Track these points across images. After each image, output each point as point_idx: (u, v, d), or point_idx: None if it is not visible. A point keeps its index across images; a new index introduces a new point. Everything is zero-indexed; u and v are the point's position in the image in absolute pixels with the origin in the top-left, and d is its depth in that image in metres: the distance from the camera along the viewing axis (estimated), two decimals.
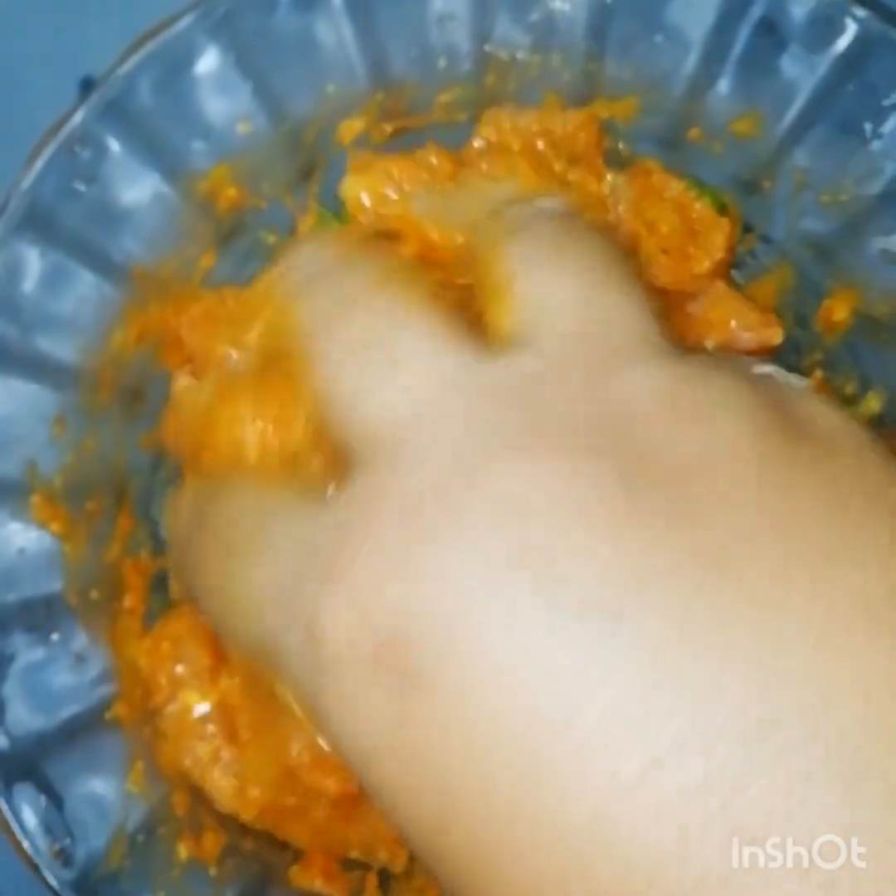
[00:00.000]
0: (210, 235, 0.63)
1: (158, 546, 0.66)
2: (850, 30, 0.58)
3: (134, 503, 0.64)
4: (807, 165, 0.63)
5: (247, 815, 0.59)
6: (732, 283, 0.68)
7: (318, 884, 0.61)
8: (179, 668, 0.61)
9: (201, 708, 0.59)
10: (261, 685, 0.56)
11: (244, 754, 0.58)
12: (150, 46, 0.57)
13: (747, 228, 0.68)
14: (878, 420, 0.65)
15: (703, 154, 0.66)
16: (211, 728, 0.59)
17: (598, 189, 0.60)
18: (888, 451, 0.40)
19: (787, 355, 0.66)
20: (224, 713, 0.59)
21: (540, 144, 0.63)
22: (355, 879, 0.63)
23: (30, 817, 0.54)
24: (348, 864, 0.63)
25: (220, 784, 0.58)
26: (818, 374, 0.66)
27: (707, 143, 0.65)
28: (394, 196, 0.58)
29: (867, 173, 0.61)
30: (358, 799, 0.58)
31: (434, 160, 0.61)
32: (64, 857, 0.54)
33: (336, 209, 0.63)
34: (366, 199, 0.58)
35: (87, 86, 0.73)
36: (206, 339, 0.61)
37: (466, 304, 0.49)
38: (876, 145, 0.60)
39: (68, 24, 0.77)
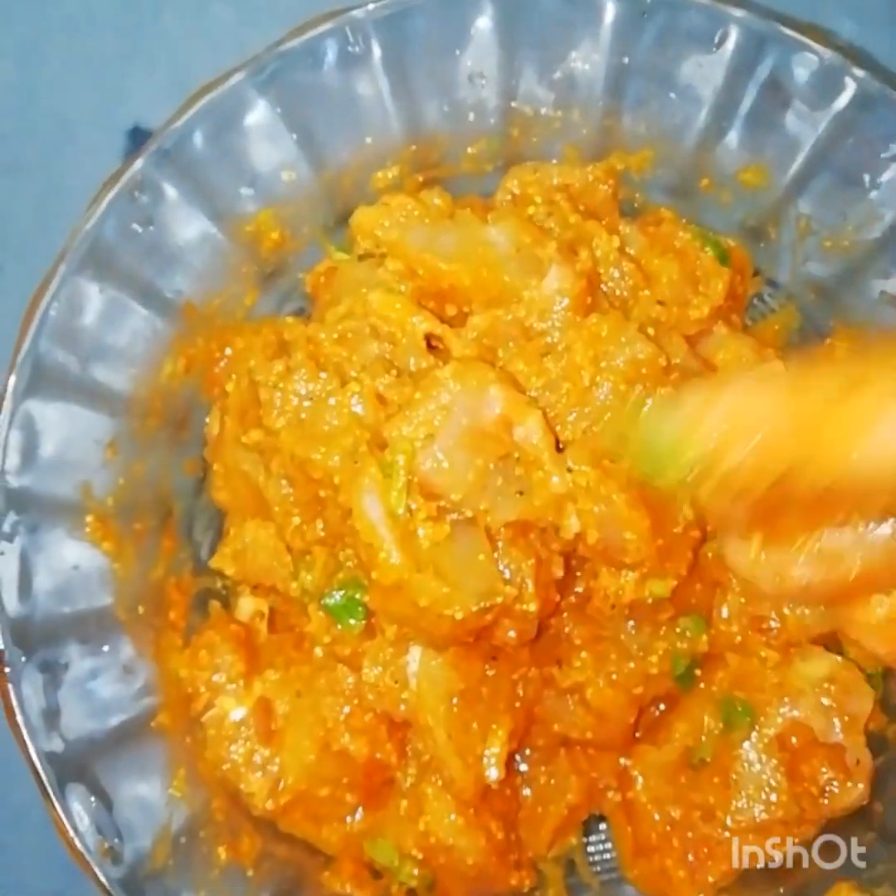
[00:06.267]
0: (254, 275, 0.68)
1: (199, 566, 0.69)
2: (850, 88, 0.62)
3: (178, 526, 0.68)
4: (810, 213, 0.68)
5: (282, 801, 0.61)
6: (744, 326, 0.72)
7: (348, 888, 0.64)
8: (217, 677, 0.64)
9: (238, 712, 0.62)
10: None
11: (281, 743, 0.61)
12: (204, 100, 0.61)
13: (755, 272, 0.72)
14: None
15: (713, 203, 0.71)
16: (246, 731, 0.62)
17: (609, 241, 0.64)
18: None
19: None
20: (259, 715, 0.62)
21: (559, 199, 0.67)
22: (383, 886, 0.65)
23: (81, 817, 0.57)
24: (377, 872, 0.66)
25: (255, 784, 0.61)
26: None
27: (716, 193, 0.70)
28: (391, 226, 0.63)
29: (867, 220, 0.66)
30: (382, 776, 0.62)
31: (437, 201, 0.66)
32: (113, 856, 0.57)
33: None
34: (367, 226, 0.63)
35: (136, 135, 0.78)
36: (228, 374, 0.66)
37: None
38: (874, 194, 0.64)
39: (113, 79, 0.81)
